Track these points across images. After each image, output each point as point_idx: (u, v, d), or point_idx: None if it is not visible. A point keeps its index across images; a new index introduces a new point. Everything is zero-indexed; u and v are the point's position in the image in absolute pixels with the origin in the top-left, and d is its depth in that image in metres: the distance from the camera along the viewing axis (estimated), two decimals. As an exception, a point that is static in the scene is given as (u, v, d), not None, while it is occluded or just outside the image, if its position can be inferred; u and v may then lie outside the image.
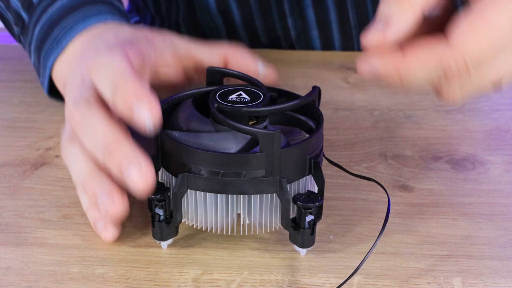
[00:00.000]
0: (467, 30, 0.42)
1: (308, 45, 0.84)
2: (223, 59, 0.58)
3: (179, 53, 0.58)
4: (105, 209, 0.47)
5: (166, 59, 0.57)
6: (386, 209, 0.54)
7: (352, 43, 0.84)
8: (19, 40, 0.68)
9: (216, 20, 0.81)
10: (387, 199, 0.56)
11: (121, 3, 0.66)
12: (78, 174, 0.49)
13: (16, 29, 0.67)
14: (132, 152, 0.45)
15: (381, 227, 0.48)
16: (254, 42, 0.83)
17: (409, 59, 0.43)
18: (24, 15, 0.64)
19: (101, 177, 0.48)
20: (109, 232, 0.50)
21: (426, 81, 0.44)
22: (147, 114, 0.44)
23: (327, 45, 0.84)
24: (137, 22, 0.93)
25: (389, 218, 0.54)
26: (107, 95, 0.47)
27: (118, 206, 0.47)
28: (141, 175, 0.45)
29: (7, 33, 0.73)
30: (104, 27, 0.59)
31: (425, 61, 0.43)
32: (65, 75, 0.59)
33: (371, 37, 0.43)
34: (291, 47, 0.84)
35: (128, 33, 0.57)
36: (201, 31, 0.83)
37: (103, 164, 0.47)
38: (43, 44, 0.62)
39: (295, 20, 0.80)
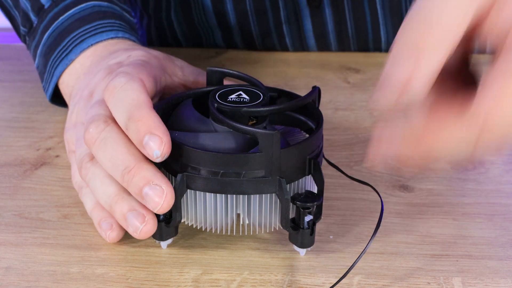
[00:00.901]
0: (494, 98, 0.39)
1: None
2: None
3: (187, 81, 0.58)
4: (135, 230, 0.47)
5: (175, 85, 0.57)
6: (386, 210, 0.54)
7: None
8: (24, 40, 0.68)
9: (211, 20, 0.81)
10: (387, 199, 0.56)
11: (131, 15, 0.66)
12: (103, 194, 0.49)
13: (22, 29, 0.67)
14: (152, 174, 0.46)
15: (381, 227, 0.48)
16: (249, 45, 0.82)
17: (435, 137, 0.40)
18: (33, 17, 0.64)
19: (128, 199, 0.48)
20: (114, 232, 0.49)
21: (453, 154, 0.41)
22: (157, 151, 0.45)
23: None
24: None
25: (389, 218, 0.54)
26: (121, 123, 0.47)
27: (149, 226, 0.47)
28: (160, 197, 0.45)
29: (7, 33, 0.72)
30: (116, 45, 0.60)
31: (453, 137, 0.40)
32: (72, 86, 0.60)
33: (385, 99, 0.40)
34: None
35: (141, 55, 0.56)
36: (195, 30, 0.83)
37: (123, 185, 0.47)
38: (52, 51, 0.62)
39: (291, 28, 0.80)
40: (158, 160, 0.45)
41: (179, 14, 0.82)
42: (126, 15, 0.65)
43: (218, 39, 0.83)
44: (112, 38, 0.61)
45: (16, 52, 0.81)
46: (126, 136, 0.47)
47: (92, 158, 0.50)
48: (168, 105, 0.51)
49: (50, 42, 0.62)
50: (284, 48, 0.82)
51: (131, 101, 0.47)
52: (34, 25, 0.64)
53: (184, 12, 0.82)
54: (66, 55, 0.61)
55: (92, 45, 0.60)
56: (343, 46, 0.81)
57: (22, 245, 0.51)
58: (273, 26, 0.80)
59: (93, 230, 0.52)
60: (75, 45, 0.60)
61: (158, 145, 0.45)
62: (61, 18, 0.62)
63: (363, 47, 0.82)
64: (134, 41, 0.62)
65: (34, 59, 0.65)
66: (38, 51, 0.64)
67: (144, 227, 0.47)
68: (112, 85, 0.49)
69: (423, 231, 0.52)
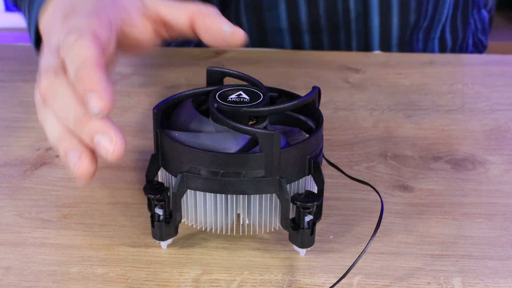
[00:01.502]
0: None
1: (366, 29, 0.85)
2: (190, 18, 0.57)
3: (146, 12, 0.58)
4: (74, 167, 0.48)
5: (133, 19, 0.57)
6: (386, 210, 0.54)
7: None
8: (19, 8, 0.69)
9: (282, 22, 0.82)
10: (387, 199, 0.56)
11: None
12: (52, 135, 0.51)
13: None
14: (102, 124, 0.47)
15: (381, 227, 0.48)
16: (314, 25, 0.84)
17: None
18: None
19: (72, 140, 0.49)
20: (84, 163, 0.48)
21: None
22: (94, 107, 0.46)
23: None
24: None
25: (389, 218, 0.54)
26: (70, 75, 0.49)
27: (85, 165, 0.48)
28: (111, 144, 0.47)
29: (7, 33, 0.73)
30: None
31: None
32: (45, 30, 0.61)
33: None
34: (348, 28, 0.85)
35: None
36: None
37: (74, 131, 0.49)
38: (33, 1, 0.63)
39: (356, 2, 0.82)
40: (100, 117, 0.47)
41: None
42: None
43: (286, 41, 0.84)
44: None
45: (16, 52, 0.81)
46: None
47: (44, 102, 0.52)
48: (168, 105, 0.51)
49: None
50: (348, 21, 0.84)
51: (78, 61, 0.49)
52: None
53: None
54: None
55: None
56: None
57: (22, 245, 0.51)
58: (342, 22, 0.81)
59: (93, 230, 0.52)
60: None
61: (96, 101, 0.46)
62: None
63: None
64: None
65: (26, 20, 0.66)
66: (26, 7, 0.65)
67: (82, 163, 0.48)
68: (64, 44, 0.51)
69: (423, 231, 0.52)
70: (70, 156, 0.49)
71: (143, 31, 0.58)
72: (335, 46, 0.86)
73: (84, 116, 0.48)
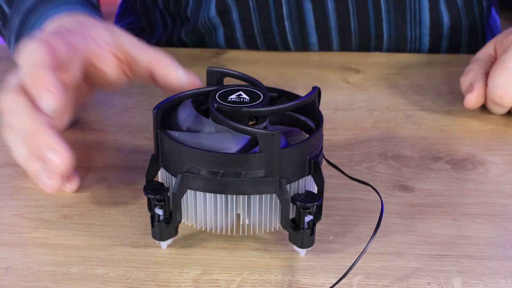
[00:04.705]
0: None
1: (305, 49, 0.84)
2: (148, 64, 0.60)
3: (115, 49, 0.60)
4: (46, 187, 0.53)
5: (102, 53, 0.59)
6: (386, 210, 0.54)
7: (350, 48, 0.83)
8: (2, 35, 0.72)
9: (214, 19, 0.81)
10: (387, 199, 0.56)
11: None
12: (19, 156, 0.55)
13: (0, 23, 0.70)
14: (52, 140, 0.51)
15: (381, 227, 0.48)
16: (250, 43, 0.83)
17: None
18: (6, 8, 0.68)
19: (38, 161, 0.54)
20: (53, 181, 0.53)
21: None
22: (47, 103, 0.50)
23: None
24: (132, 22, 0.94)
25: (389, 218, 0.54)
26: (26, 81, 0.53)
27: (56, 184, 0.53)
28: (59, 160, 0.51)
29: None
30: (69, 17, 0.62)
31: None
32: None
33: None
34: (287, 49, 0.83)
35: (68, 22, 0.60)
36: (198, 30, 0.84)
37: (30, 149, 0.53)
38: (21, 34, 0.65)
39: (292, 23, 0.80)
40: (51, 113, 0.51)
41: (195, 11, 0.83)
42: None
43: (220, 39, 0.83)
44: (69, 11, 0.63)
45: (16, 52, 0.81)
46: (32, 103, 0.53)
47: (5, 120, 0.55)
48: (168, 105, 0.51)
49: (20, 26, 0.66)
50: (286, 47, 0.82)
51: (33, 61, 0.53)
52: (8, 15, 0.68)
53: (196, 9, 0.82)
54: (31, 31, 0.64)
55: (51, 17, 0.63)
56: (344, 44, 0.82)
57: (22, 245, 0.51)
58: (275, 21, 0.80)
59: (93, 230, 0.52)
60: (37, 21, 0.64)
61: (48, 97, 0.50)
62: (27, 1, 0.66)
63: (365, 46, 0.82)
64: (89, 14, 0.64)
65: (10, 48, 0.68)
66: (12, 38, 0.67)
67: (53, 182, 0.53)
68: (22, 48, 0.55)
69: (423, 231, 0.52)
70: (41, 177, 0.53)
71: (110, 66, 0.60)
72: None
73: (36, 130, 0.52)
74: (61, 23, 0.60)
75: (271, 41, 0.82)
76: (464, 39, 0.84)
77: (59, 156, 0.51)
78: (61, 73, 0.55)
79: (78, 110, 0.63)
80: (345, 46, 0.82)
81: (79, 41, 0.58)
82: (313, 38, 0.81)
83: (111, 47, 0.60)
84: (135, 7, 0.90)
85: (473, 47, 0.84)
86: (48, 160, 0.51)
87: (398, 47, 0.83)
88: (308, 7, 0.79)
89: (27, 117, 0.52)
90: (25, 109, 0.53)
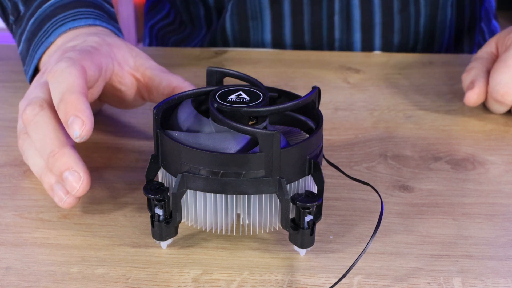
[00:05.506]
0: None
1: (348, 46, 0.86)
2: (170, 89, 0.60)
3: (136, 72, 0.61)
4: (60, 199, 0.52)
5: (123, 74, 0.60)
6: (386, 210, 0.54)
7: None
8: (10, 29, 0.71)
9: (264, 8, 0.83)
10: (387, 199, 0.56)
11: (111, 5, 0.70)
12: (35, 166, 0.55)
13: (11, 18, 0.70)
14: (72, 161, 0.51)
15: (381, 227, 0.48)
16: (297, 38, 0.84)
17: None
18: (21, 7, 0.68)
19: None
20: (69, 198, 0.52)
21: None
22: (77, 131, 0.50)
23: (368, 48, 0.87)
24: (167, 15, 0.95)
25: (389, 218, 0.54)
26: (55, 103, 0.53)
27: (71, 201, 0.52)
28: (78, 182, 0.51)
29: (7, 33, 0.73)
30: (87, 32, 0.63)
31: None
32: (43, 64, 0.63)
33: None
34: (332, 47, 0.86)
35: (95, 41, 0.60)
36: (245, 20, 0.85)
37: (47, 166, 0.53)
38: (35, 36, 0.65)
39: (341, 19, 0.83)
40: (78, 140, 0.51)
41: (234, 3, 0.84)
42: (106, 5, 0.69)
43: (267, 30, 0.84)
44: (89, 25, 0.64)
45: (16, 52, 0.81)
46: (57, 121, 0.53)
47: (25, 131, 0.55)
48: (168, 105, 0.51)
49: (34, 28, 0.65)
50: (331, 45, 0.85)
51: (66, 85, 0.52)
52: (22, 13, 0.68)
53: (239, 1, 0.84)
54: (47, 38, 0.64)
55: (70, 29, 0.63)
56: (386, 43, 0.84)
57: (22, 245, 0.51)
58: (325, 17, 0.83)
59: (93, 230, 0.52)
60: (55, 29, 0.64)
61: (79, 126, 0.50)
62: (45, 5, 0.66)
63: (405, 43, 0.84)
64: (110, 29, 0.65)
65: (18, 45, 0.68)
66: (23, 37, 0.67)
67: (68, 199, 0.52)
68: (54, 68, 0.55)
69: (423, 231, 0.52)
70: (56, 191, 0.53)
71: (129, 88, 0.61)
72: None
73: (58, 151, 0.52)
74: (87, 41, 0.60)
75: (318, 37, 0.83)
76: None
77: (78, 178, 0.51)
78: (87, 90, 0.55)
79: None
80: (386, 46, 0.84)
81: (107, 64, 0.58)
82: (357, 36, 0.83)
83: (132, 69, 0.61)
84: (173, 1, 0.91)
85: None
86: (65, 179, 0.51)
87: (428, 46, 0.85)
88: (356, 2, 0.82)
89: (50, 135, 0.52)
90: (49, 126, 0.53)
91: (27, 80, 0.66)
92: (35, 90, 0.56)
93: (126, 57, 0.61)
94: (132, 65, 0.61)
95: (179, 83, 0.60)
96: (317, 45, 0.85)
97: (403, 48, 0.86)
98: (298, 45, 0.85)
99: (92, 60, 0.56)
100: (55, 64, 0.55)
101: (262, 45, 0.86)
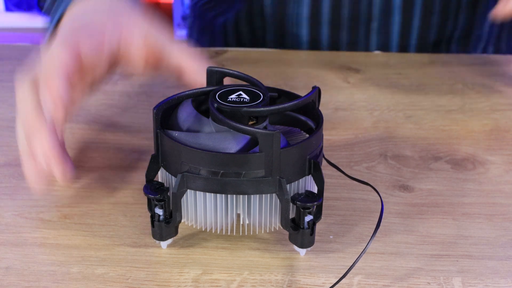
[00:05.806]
0: None
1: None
2: (179, 67, 0.58)
3: (147, 39, 0.58)
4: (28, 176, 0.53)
5: (133, 38, 0.58)
6: (386, 210, 0.54)
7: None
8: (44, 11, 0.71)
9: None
10: (387, 199, 0.56)
11: None
12: (19, 143, 0.55)
13: None
14: (47, 143, 0.52)
15: (381, 227, 0.48)
16: (335, 16, 0.85)
17: None
18: None
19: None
20: (38, 177, 0.52)
21: None
22: (49, 111, 0.52)
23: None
24: None
25: (389, 218, 0.54)
26: (40, 82, 0.54)
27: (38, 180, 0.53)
28: (60, 172, 0.52)
29: (7, 33, 0.73)
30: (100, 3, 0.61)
31: None
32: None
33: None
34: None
35: (106, 13, 0.59)
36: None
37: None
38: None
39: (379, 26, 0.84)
40: (50, 123, 0.52)
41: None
42: None
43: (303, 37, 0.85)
44: None
45: (16, 52, 0.81)
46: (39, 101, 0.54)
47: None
48: (168, 105, 0.51)
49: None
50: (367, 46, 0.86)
51: (51, 66, 0.54)
52: None
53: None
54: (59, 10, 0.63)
55: None
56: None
57: (22, 245, 0.51)
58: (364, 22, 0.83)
59: (93, 230, 0.52)
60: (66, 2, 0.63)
61: (50, 108, 0.52)
62: None
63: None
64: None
65: (43, 8, 0.68)
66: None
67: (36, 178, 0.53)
68: (48, 48, 0.56)
69: (423, 231, 0.52)
70: (29, 171, 0.53)
71: (137, 53, 0.58)
72: (353, 44, 0.86)
73: (37, 127, 0.53)
74: (97, 10, 0.60)
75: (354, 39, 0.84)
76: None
77: (60, 167, 0.51)
78: (87, 75, 0.55)
79: (92, 90, 0.61)
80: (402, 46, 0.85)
81: (113, 32, 0.57)
82: (395, 40, 0.85)
83: (144, 36, 0.58)
84: None
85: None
86: (38, 158, 0.52)
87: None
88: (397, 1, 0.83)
89: (32, 112, 0.54)
90: (32, 104, 0.54)
91: (52, 25, 0.64)
92: (28, 92, 0.56)
93: (134, 28, 0.58)
94: (145, 30, 0.58)
95: (189, 59, 0.58)
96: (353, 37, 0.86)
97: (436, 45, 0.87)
98: (335, 22, 0.85)
99: (90, 37, 0.56)
100: (49, 49, 0.56)
101: (299, 18, 0.85)
